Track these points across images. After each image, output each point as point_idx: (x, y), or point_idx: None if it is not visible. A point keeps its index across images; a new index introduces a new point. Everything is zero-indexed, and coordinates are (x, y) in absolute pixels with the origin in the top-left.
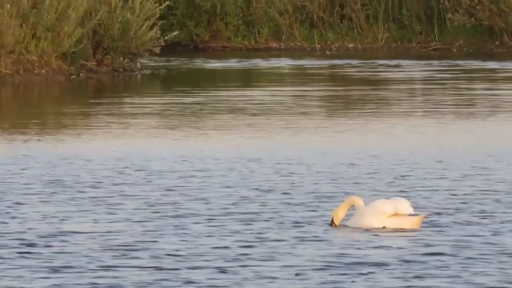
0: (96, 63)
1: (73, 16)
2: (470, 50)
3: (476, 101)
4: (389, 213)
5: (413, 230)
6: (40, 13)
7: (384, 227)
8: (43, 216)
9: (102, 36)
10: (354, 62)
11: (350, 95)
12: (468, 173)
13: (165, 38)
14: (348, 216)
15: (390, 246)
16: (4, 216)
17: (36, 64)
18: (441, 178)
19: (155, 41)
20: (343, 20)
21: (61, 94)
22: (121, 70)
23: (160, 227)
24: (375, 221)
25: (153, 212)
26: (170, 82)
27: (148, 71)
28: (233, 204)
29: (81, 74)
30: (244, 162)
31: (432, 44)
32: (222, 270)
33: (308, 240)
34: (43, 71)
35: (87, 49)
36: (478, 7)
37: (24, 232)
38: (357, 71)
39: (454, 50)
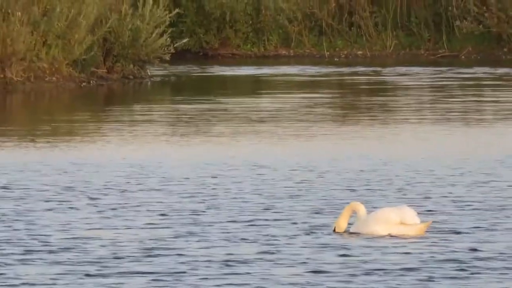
0: (106, 71)
1: (83, 24)
2: (479, 57)
3: (484, 108)
4: (395, 222)
5: (419, 237)
6: (51, 21)
7: (389, 234)
8: (63, 223)
9: (112, 43)
10: (363, 69)
11: (359, 102)
12: (480, 180)
13: (175, 45)
14: (350, 222)
15: (408, 252)
16: (23, 223)
17: (47, 71)
18: (454, 184)
19: (165, 49)
20: (352, 28)
21: (72, 101)
22: (131, 77)
23: (179, 233)
24: (380, 229)
25: (171, 219)
26: (180, 89)
27: (158, 79)
28: (250, 210)
29: (91, 82)
30: (256, 169)
31: (440, 51)
32: (242, 276)
33: (326, 246)
34: (54, 78)
35: (97, 57)
36: (486, 14)
37: (45, 238)
38: (365, 78)
39: (463, 57)
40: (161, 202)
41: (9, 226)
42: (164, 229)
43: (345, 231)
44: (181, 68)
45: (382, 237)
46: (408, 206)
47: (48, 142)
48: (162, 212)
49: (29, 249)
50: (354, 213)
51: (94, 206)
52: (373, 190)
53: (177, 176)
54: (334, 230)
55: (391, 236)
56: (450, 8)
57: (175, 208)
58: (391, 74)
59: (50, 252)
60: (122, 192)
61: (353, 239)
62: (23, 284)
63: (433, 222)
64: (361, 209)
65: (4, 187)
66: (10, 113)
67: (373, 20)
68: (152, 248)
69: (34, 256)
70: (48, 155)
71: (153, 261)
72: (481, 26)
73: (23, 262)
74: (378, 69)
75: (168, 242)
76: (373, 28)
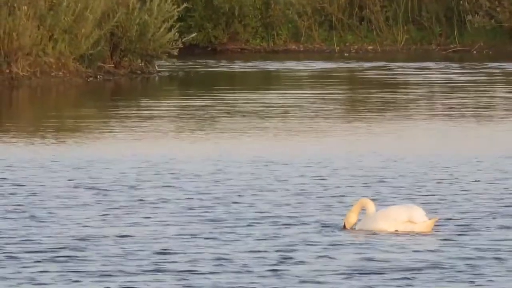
0: (113, 65)
1: (90, 18)
2: (490, 52)
3: (496, 103)
4: (403, 220)
5: (426, 234)
6: (57, 15)
7: (396, 231)
8: (80, 220)
9: (119, 38)
10: (373, 64)
11: (370, 98)
12: (500, 177)
13: (183, 40)
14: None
15: (426, 250)
16: (37, 220)
17: (53, 66)
18: (474, 182)
19: (173, 43)
20: (362, 22)
21: (79, 96)
22: (138, 72)
23: (198, 231)
24: (388, 226)
25: (185, 216)
26: (188, 84)
27: (166, 73)
28: (267, 207)
29: (98, 77)
30: (269, 165)
31: (452, 46)
32: (260, 275)
33: (343, 244)
34: (60, 73)
35: (104, 51)
36: (498, 9)
37: (63, 236)
38: (376, 74)
39: (474, 52)
40: (175, 199)
41: (22, 224)
42: (178, 226)
43: (353, 228)
44: (189, 63)
45: (389, 234)
46: (419, 204)
47: (57, 138)
48: (176, 210)
49: (43, 248)
50: (363, 209)
51: (108, 203)
52: (388, 187)
53: (189, 173)
54: (344, 227)
55: (398, 233)
56: (461, 2)
57: (189, 206)
58: (402, 69)
59: (68, 249)
60: (135, 189)
61: (370, 237)
62: (40, 283)
63: (454, 220)
64: (371, 206)
65: (17, 184)
66: (18, 109)
67: (384, 15)
68: (167, 246)
69: (51, 254)
70: (58, 152)
71: (167, 259)
72: (493, 20)
73: (37, 259)
74: (389, 64)
75: (182, 240)
76: (384, 22)
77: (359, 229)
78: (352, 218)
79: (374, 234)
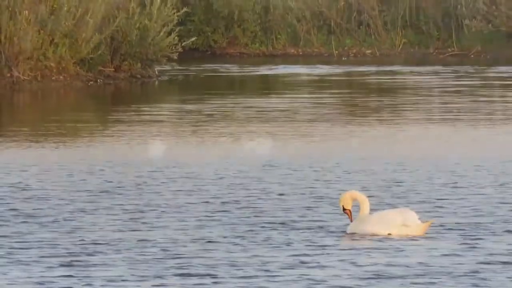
0: (113, 69)
1: (91, 23)
2: (488, 56)
3: (494, 107)
4: (397, 224)
5: (421, 237)
6: (58, 20)
7: (389, 234)
8: (98, 225)
9: (120, 42)
10: (372, 68)
11: (368, 102)
12: (501, 180)
13: (182, 44)
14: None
15: (439, 255)
16: (58, 226)
17: (54, 70)
18: (488, 186)
19: (173, 47)
20: (361, 26)
21: (80, 100)
22: (138, 76)
23: (214, 235)
24: (381, 228)
25: (209, 220)
26: (188, 88)
27: (165, 77)
28: (278, 211)
29: (98, 80)
30: (275, 169)
31: (449, 50)
32: (277, 279)
33: (358, 248)
34: (61, 77)
35: (105, 55)
36: (495, 13)
37: (83, 241)
38: (374, 77)
39: (472, 56)
40: (189, 203)
41: (39, 229)
42: (195, 231)
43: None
44: (188, 67)
45: (383, 237)
46: (419, 207)
47: (61, 143)
48: (190, 214)
49: (63, 252)
50: (355, 201)
51: (124, 207)
52: (388, 190)
53: (199, 177)
54: (343, 209)
55: (391, 236)
56: (459, 6)
57: (204, 209)
58: (400, 73)
59: (84, 254)
60: (149, 193)
61: (381, 241)
62: (60, 286)
63: (459, 224)
64: (366, 206)
65: (29, 189)
66: (19, 113)
67: (382, 19)
68: (185, 250)
69: (69, 259)
70: (63, 156)
71: (186, 263)
72: (490, 25)
73: (57, 264)
74: (387, 68)
75: (208, 245)
76: (382, 27)
77: (352, 231)
78: (347, 200)
79: (383, 238)
